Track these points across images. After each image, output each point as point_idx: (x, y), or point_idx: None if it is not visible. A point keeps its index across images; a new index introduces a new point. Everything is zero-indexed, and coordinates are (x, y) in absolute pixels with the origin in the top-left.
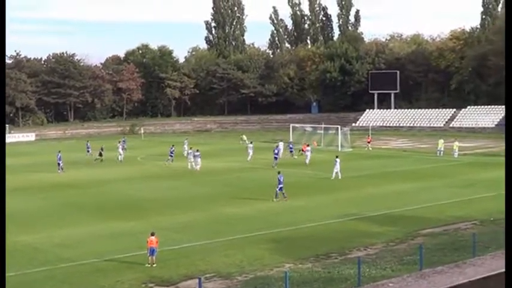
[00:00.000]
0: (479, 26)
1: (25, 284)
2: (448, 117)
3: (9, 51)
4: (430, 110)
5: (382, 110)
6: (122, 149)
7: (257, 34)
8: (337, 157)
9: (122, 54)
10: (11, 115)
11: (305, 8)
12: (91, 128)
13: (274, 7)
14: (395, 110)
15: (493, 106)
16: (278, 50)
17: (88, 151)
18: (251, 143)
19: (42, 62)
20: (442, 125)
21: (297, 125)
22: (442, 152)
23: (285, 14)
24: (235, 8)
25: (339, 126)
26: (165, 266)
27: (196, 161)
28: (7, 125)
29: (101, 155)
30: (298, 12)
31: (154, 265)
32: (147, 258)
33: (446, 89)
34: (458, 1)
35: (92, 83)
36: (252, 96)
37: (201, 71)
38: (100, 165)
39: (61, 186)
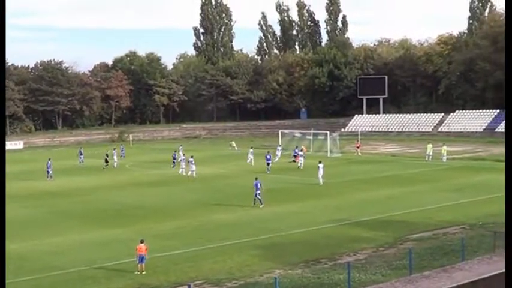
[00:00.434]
0: (466, 31)
1: None
2: (437, 122)
3: None
4: (418, 114)
5: (370, 115)
6: (116, 156)
7: (245, 40)
8: (320, 162)
9: (110, 62)
10: None
11: (293, 14)
12: (79, 136)
13: (263, 13)
14: (384, 115)
15: (481, 110)
16: (266, 56)
17: (80, 158)
18: (251, 148)
19: (30, 70)
20: (430, 130)
21: (286, 131)
22: (430, 157)
23: (273, 20)
24: (223, 15)
25: (328, 132)
26: (154, 273)
27: (191, 168)
28: None
29: (106, 161)
30: (287, 18)
31: (144, 272)
32: (137, 266)
33: (435, 94)
34: (446, 6)
35: (80, 91)
36: (241, 103)
37: (189, 77)
38: (88, 173)
39: (50, 194)
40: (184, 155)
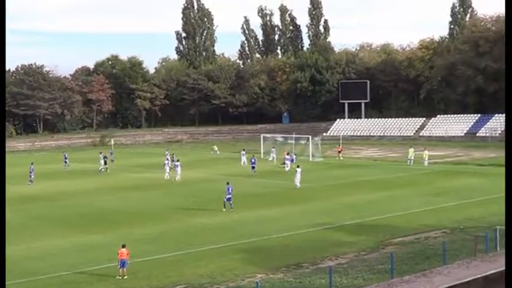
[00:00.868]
0: (447, 36)
1: None
2: (418, 126)
3: None
4: (400, 119)
5: (352, 119)
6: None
7: (227, 44)
8: (298, 167)
9: (91, 66)
10: None
11: (275, 18)
12: (61, 140)
13: (245, 17)
14: (366, 119)
15: (462, 115)
16: (248, 60)
17: (66, 162)
18: (243, 150)
19: (11, 74)
20: (412, 134)
21: (267, 135)
22: (412, 161)
23: (255, 24)
24: (205, 19)
25: (310, 136)
26: (136, 278)
27: (176, 171)
28: None
29: (105, 163)
30: (269, 23)
31: (126, 277)
32: (118, 271)
33: (416, 98)
34: (427, 11)
35: (61, 95)
36: (223, 107)
37: (171, 81)
38: (71, 177)
39: (30, 198)
40: (168, 159)
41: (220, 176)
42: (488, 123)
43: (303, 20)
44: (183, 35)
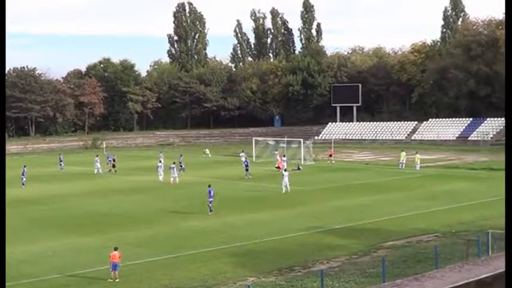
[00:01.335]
0: (439, 40)
1: None
2: (410, 130)
3: None
4: (392, 122)
5: (344, 123)
6: (99, 163)
7: (219, 47)
8: (285, 171)
9: (83, 68)
10: None
11: (268, 22)
12: (53, 143)
13: (238, 20)
14: (358, 123)
15: (454, 119)
16: (240, 64)
17: (60, 165)
18: (243, 151)
19: None
20: (404, 138)
21: (259, 139)
22: (404, 165)
23: (248, 28)
24: (197, 22)
25: (302, 140)
26: (127, 281)
27: (173, 174)
28: None
29: (114, 166)
30: (261, 26)
31: (117, 280)
32: (110, 273)
33: (408, 102)
34: (419, 15)
35: (53, 97)
36: (215, 110)
37: (163, 84)
38: (62, 180)
39: (22, 201)
40: (160, 162)
41: (213, 179)
42: (480, 127)
43: (296, 24)
44: (175, 38)
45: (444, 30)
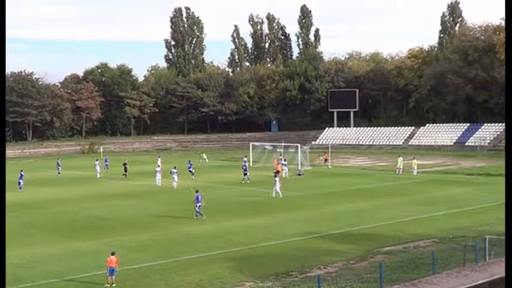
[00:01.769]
0: (437, 45)
1: None
2: (407, 135)
3: None
4: (389, 128)
5: (341, 128)
6: (99, 166)
7: (216, 52)
8: (275, 176)
9: (80, 73)
10: None
11: (266, 27)
12: (50, 147)
13: (235, 25)
14: (355, 128)
15: (451, 124)
16: (238, 69)
17: (58, 169)
18: (245, 156)
19: None
20: (401, 143)
21: (256, 144)
22: (401, 170)
23: (245, 33)
24: (195, 27)
25: (299, 145)
26: (124, 285)
27: (173, 179)
28: None
29: (125, 170)
30: (259, 31)
31: (114, 285)
32: (107, 278)
33: (405, 107)
34: (416, 20)
35: (50, 102)
36: (212, 115)
37: (160, 89)
38: (59, 184)
39: (19, 205)
40: (158, 166)
41: (210, 183)
42: (477, 132)
43: (293, 29)
44: (172, 43)
45: (442, 35)
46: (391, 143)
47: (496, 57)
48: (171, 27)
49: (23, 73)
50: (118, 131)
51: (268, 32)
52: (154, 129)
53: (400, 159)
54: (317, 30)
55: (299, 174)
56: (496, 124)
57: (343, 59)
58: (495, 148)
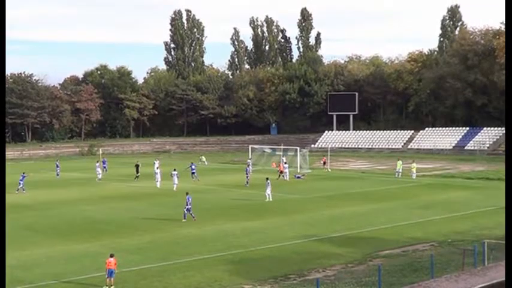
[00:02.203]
0: (437, 49)
1: None
2: (406, 139)
3: None
4: (388, 131)
5: (340, 131)
6: (99, 168)
7: (215, 55)
8: (267, 179)
9: (80, 75)
10: None
11: (266, 29)
12: (49, 149)
13: (235, 28)
14: (354, 131)
15: (450, 128)
16: (237, 71)
17: (57, 171)
18: (250, 159)
19: None
20: (400, 147)
21: (256, 146)
22: (400, 174)
23: (246, 35)
24: (195, 30)
25: (298, 148)
26: (123, 287)
27: (174, 181)
28: None
29: (137, 171)
30: (260, 34)
31: (113, 287)
32: (105, 280)
33: (404, 111)
34: (416, 24)
35: (50, 104)
36: (211, 118)
37: (160, 92)
38: (58, 186)
39: (17, 207)
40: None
41: (210, 186)
42: (476, 136)
43: (293, 32)
44: (172, 45)
45: (442, 39)
46: (390, 147)
47: (496, 62)
48: (170, 29)
49: (23, 74)
50: (117, 133)
51: (267, 35)
52: (153, 131)
53: (400, 162)
54: (318, 34)
55: (298, 177)
56: (495, 128)
57: (342, 62)
58: (494, 152)
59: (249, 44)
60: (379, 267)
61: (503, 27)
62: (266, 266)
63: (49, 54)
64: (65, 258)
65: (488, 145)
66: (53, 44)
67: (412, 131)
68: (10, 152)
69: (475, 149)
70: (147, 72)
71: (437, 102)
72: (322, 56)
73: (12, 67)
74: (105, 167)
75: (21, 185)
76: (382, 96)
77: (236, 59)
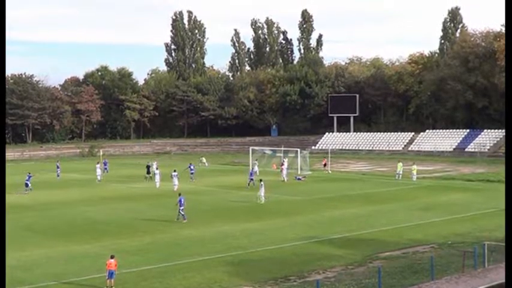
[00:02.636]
0: (438, 51)
1: None
2: (407, 141)
3: None
4: (389, 133)
5: (341, 133)
6: (100, 169)
7: (217, 56)
8: (261, 181)
9: (81, 76)
10: None
11: (267, 31)
12: (49, 150)
13: (235, 29)
14: (355, 133)
15: (451, 130)
16: (238, 73)
17: (57, 172)
18: (256, 160)
19: None
20: (400, 149)
21: (256, 148)
22: (400, 176)
23: (246, 37)
24: (196, 31)
25: (298, 149)
26: None
27: (174, 182)
28: None
29: (148, 172)
30: (261, 35)
31: None
32: (106, 281)
33: (405, 113)
34: (417, 26)
35: (50, 105)
36: (212, 119)
37: (160, 93)
38: (59, 187)
39: (18, 207)
40: (157, 168)
41: (209, 188)
42: (477, 138)
43: (294, 33)
44: (173, 46)
45: (442, 41)
46: (390, 149)
47: (496, 64)
48: (171, 30)
49: (24, 75)
50: (118, 134)
51: (268, 36)
52: (154, 132)
53: (400, 164)
54: (320, 36)
55: (298, 179)
56: (496, 130)
57: (343, 64)
58: (495, 154)
59: (250, 46)
60: (379, 269)
61: (504, 30)
62: (266, 267)
63: (50, 55)
64: (65, 259)
65: (488, 147)
66: (53, 44)
67: (413, 133)
68: (10, 153)
69: (475, 151)
70: (148, 74)
71: (438, 104)
72: (322, 58)
73: (12, 68)
74: (106, 168)
75: (29, 185)
76: (382, 98)
77: (237, 61)
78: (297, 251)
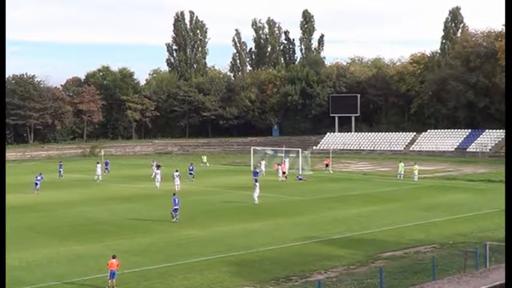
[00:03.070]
0: (439, 51)
1: None
2: (408, 141)
3: None
4: (390, 133)
5: (342, 133)
6: (100, 169)
7: (218, 56)
8: (256, 181)
9: (82, 76)
10: None
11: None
12: (51, 150)
13: (236, 30)
14: (356, 133)
15: (452, 130)
16: (239, 73)
17: (60, 172)
18: (263, 160)
19: None
20: (402, 149)
21: (257, 148)
22: (402, 176)
23: (247, 36)
24: (198, 31)
25: (300, 149)
26: None
27: (175, 182)
28: None
29: (158, 168)
30: (262, 35)
31: None
32: (107, 281)
33: (407, 113)
34: (419, 26)
35: (52, 105)
36: (213, 119)
37: (162, 93)
38: (60, 187)
39: (20, 208)
40: (159, 167)
41: (211, 188)
42: (478, 138)
43: (296, 33)
44: (174, 47)
45: (444, 41)
46: (392, 149)
47: (498, 64)
48: (173, 31)
49: (25, 76)
50: (119, 134)
51: (269, 36)
52: (155, 132)
53: (401, 164)
54: (322, 36)
55: (300, 179)
56: (497, 130)
57: (344, 64)
58: (496, 154)
59: (251, 46)
60: (381, 269)
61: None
62: (267, 267)
63: (51, 55)
64: (67, 259)
65: (490, 147)
66: (54, 45)
67: (414, 133)
68: (12, 153)
69: (477, 151)
70: (149, 74)
71: (439, 104)
72: (324, 58)
73: (14, 68)
74: (107, 169)
75: (38, 185)
76: (384, 98)
77: (238, 61)
78: (298, 251)
